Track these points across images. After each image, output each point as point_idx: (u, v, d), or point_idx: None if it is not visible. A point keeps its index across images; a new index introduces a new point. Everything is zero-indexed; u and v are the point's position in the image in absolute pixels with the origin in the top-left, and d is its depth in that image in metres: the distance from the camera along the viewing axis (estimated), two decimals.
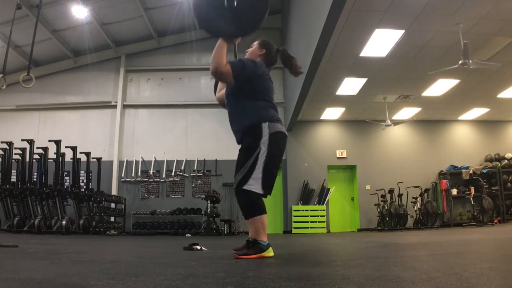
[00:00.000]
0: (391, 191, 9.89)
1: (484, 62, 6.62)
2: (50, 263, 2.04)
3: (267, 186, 2.42)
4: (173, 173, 11.05)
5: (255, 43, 2.77)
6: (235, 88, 2.52)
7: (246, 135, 2.47)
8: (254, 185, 2.36)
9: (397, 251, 2.95)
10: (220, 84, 2.88)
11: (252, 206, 2.39)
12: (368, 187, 11.12)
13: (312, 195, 11.04)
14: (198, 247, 3.26)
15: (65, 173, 9.48)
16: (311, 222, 10.63)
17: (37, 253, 2.82)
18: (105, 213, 9.46)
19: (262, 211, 2.39)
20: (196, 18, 2.47)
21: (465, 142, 11.79)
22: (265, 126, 2.42)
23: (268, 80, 2.61)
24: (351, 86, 9.06)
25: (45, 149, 8.71)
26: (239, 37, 2.50)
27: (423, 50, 7.32)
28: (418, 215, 10.08)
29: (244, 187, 2.36)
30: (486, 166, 11.10)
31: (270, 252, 2.37)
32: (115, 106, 11.58)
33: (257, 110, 2.48)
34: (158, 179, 11.13)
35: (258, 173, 2.36)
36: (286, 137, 2.58)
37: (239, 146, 2.61)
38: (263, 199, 2.45)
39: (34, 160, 8.91)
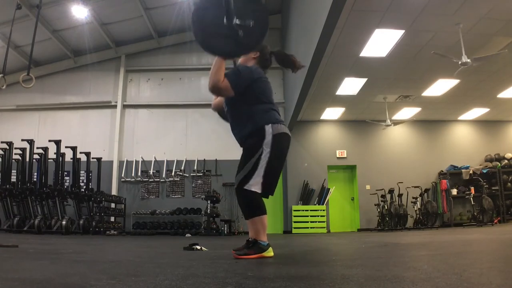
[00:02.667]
0: (391, 191, 9.88)
1: (486, 55, 6.53)
2: (50, 263, 2.04)
3: (269, 187, 2.41)
4: (173, 173, 11.05)
5: None
6: (234, 95, 2.50)
7: (249, 138, 2.46)
8: (255, 185, 2.36)
9: (397, 251, 2.95)
10: None
11: (252, 206, 2.39)
12: (368, 187, 11.12)
13: (312, 195, 11.04)
14: (198, 247, 3.26)
15: (65, 173, 9.48)
16: (311, 222, 10.63)
17: (37, 253, 2.82)
18: (105, 213, 9.46)
19: (262, 211, 2.39)
20: (194, 35, 2.34)
21: (465, 142, 11.79)
22: (268, 128, 2.41)
23: (266, 82, 2.59)
24: (351, 86, 9.06)
25: (45, 149, 8.71)
26: (237, 56, 2.46)
27: (423, 50, 7.32)
28: (418, 215, 10.07)
29: (245, 187, 2.36)
30: (486, 166, 11.10)
31: (270, 252, 2.37)
32: (115, 106, 11.58)
33: (258, 114, 2.47)
34: (158, 179, 11.13)
35: (259, 173, 2.36)
36: (290, 138, 2.56)
37: (239, 146, 2.60)
38: (263, 199, 2.45)
39: (34, 160, 8.91)
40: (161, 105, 11.65)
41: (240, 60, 2.68)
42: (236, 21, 2.21)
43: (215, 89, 2.41)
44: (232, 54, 2.45)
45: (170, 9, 10.44)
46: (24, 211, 8.23)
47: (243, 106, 2.50)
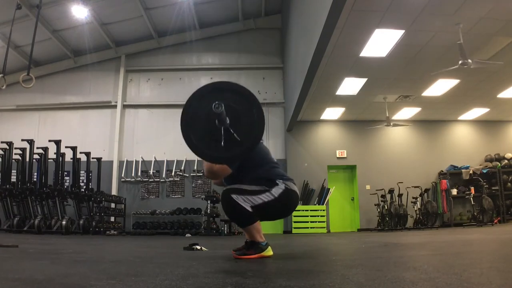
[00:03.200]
0: (391, 191, 9.88)
1: (485, 61, 6.60)
2: (50, 263, 2.04)
3: (258, 215, 2.30)
4: (173, 173, 11.05)
5: None
6: (234, 171, 2.36)
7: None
8: (245, 203, 2.25)
9: (397, 251, 2.95)
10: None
11: (242, 219, 2.33)
12: (368, 187, 11.11)
13: (312, 195, 11.04)
14: (198, 247, 3.26)
15: (65, 173, 9.48)
16: (311, 222, 10.63)
17: (37, 253, 2.82)
18: (105, 213, 9.46)
19: (253, 220, 2.31)
20: (184, 138, 1.98)
21: (465, 142, 11.79)
22: (280, 182, 2.35)
23: (261, 145, 2.48)
24: (351, 86, 9.06)
25: (45, 149, 8.71)
26: (229, 163, 2.26)
27: (423, 50, 7.32)
28: (418, 215, 10.07)
29: (233, 195, 2.26)
30: (486, 166, 11.10)
31: (269, 251, 2.37)
32: (115, 106, 11.58)
33: (264, 173, 2.37)
34: (158, 179, 11.13)
35: (256, 200, 2.27)
36: (298, 198, 2.48)
37: None
38: None
39: (34, 160, 8.91)
40: (161, 105, 11.65)
41: None
42: (229, 126, 1.94)
43: (211, 174, 2.33)
44: (227, 162, 2.22)
45: (170, 9, 10.45)
46: (24, 211, 8.23)
47: (245, 175, 2.36)
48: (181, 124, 1.96)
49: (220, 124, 1.93)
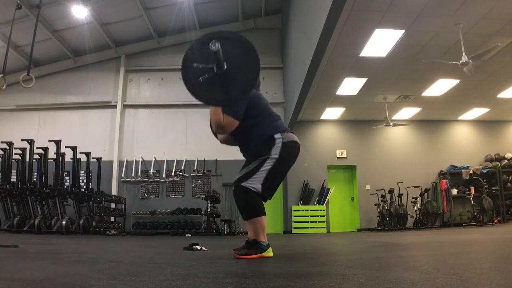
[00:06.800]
0: (391, 191, 9.89)
1: (483, 52, 6.50)
2: (50, 263, 2.04)
3: (268, 190, 2.39)
4: (173, 173, 11.05)
5: None
6: (241, 125, 2.46)
7: (260, 147, 2.43)
8: (254, 184, 2.33)
9: (397, 251, 2.95)
10: None
11: (251, 207, 2.36)
12: (368, 187, 11.12)
13: (312, 195, 11.04)
14: (198, 247, 3.26)
15: (65, 173, 9.48)
16: (311, 222, 10.63)
17: (37, 253, 2.82)
18: (105, 213, 9.45)
19: (261, 212, 2.37)
20: (188, 89, 2.17)
21: (465, 142, 11.79)
22: (278, 136, 2.41)
23: (259, 96, 2.57)
24: (351, 86, 9.06)
25: (45, 149, 8.71)
26: (230, 105, 2.35)
27: (423, 50, 7.32)
28: (418, 215, 10.08)
29: (243, 184, 2.34)
30: (486, 166, 11.10)
31: (270, 252, 2.38)
32: (115, 106, 11.58)
33: (266, 126, 2.45)
34: (158, 179, 11.12)
35: (261, 174, 2.34)
36: (299, 146, 2.54)
37: (239, 145, 2.60)
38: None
39: (34, 160, 8.90)
40: (161, 105, 11.65)
41: None
42: (226, 68, 2.09)
43: (220, 129, 2.39)
44: (225, 103, 2.31)
45: (170, 9, 10.44)
46: (24, 211, 8.23)
47: (249, 128, 2.46)
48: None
49: (218, 65, 2.07)
